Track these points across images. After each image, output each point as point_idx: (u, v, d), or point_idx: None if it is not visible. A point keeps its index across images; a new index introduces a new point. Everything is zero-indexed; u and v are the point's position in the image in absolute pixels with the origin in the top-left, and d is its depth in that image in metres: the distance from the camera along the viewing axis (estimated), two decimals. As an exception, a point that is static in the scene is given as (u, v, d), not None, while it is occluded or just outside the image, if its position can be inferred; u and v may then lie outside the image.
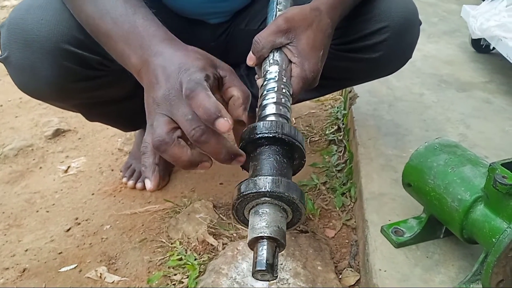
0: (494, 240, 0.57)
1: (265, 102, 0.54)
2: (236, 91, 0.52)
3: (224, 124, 0.44)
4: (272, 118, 0.51)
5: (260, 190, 0.42)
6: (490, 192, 0.58)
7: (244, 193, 0.43)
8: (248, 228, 0.45)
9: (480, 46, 1.51)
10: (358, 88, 1.25)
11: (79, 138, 1.31)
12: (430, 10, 2.00)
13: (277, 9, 0.68)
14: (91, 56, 0.71)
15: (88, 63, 0.72)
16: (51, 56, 0.69)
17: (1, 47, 0.72)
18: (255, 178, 0.43)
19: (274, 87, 0.55)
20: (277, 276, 0.42)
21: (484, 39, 1.39)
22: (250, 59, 0.63)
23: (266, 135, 0.47)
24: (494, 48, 1.33)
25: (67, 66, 0.70)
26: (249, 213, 0.45)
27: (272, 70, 0.59)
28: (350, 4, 0.70)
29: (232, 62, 1.10)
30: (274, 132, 0.46)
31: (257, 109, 0.56)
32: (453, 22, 1.80)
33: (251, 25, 0.95)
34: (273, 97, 0.54)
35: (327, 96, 1.44)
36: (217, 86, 0.53)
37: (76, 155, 1.23)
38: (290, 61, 0.61)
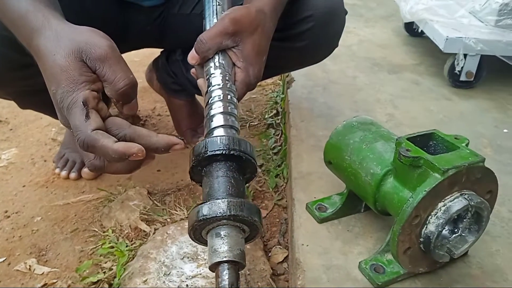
0: (402, 210, 0.60)
1: (212, 112, 0.53)
2: (109, 91, 0.50)
3: (137, 156, 0.45)
4: (221, 130, 0.51)
5: (224, 214, 0.43)
6: (397, 165, 0.61)
7: (208, 217, 0.43)
8: (207, 247, 0.45)
9: (413, 30, 1.57)
10: (295, 72, 1.27)
11: (11, 129, 1.26)
12: (370, -5, 2.05)
13: (217, 3, 0.65)
14: None
15: (27, 50, 0.69)
16: None
17: None
18: (218, 201, 0.43)
19: (220, 95, 0.54)
20: None
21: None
22: (193, 58, 0.60)
23: (224, 152, 0.46)
24: (424, 31, 1.39)
25: (5, 53, 0.67)
26: (207, 233, 0.45)
27: (217, 75, 0.57)
28: (284, 4, 0.70)
29: (168, 47, 1.09)
30: (232, 149, 0.46)
31: (204, 119, 0.54)
32: (390, 7, 1.86)
33: (184, 9, 0.94)
34: (220, 106, 0.53)
35: (268, 80, 1.46)
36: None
37: (7, 147, 1.18)
38: (234, 65, 0.60)
